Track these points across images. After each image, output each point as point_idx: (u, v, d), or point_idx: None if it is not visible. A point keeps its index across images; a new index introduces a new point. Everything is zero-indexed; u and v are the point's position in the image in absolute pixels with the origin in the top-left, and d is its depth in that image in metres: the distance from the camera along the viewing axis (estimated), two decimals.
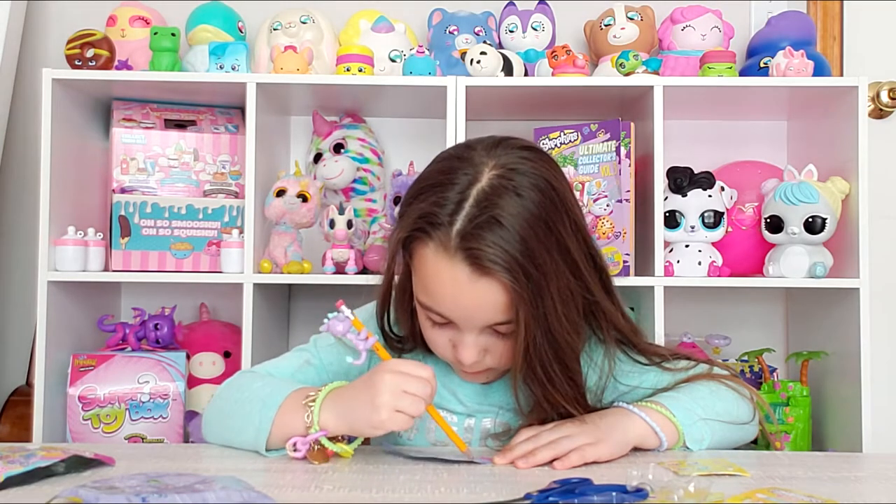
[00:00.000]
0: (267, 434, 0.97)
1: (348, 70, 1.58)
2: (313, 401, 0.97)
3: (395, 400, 0.93)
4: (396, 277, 1.09)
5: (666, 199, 1.57)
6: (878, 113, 1.94)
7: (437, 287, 0.99)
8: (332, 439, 0.97)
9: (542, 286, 0.96)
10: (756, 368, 1.72)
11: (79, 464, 0.90)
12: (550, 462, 0.94)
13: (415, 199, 1.02)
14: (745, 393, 1.09)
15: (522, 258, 0.95)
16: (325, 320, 1.01)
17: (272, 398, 0.99)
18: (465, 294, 0.97)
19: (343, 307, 1.01)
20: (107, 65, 1.57)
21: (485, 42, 1.75)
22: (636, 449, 1.01)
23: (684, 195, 1.57)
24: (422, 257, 1.00)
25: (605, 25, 1.76)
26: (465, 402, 1.11)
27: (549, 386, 1.01)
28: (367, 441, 1.02)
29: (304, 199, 1.54)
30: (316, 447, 0.96)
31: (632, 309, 1.69)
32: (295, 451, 0.95)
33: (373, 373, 0.96)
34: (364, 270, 1.59)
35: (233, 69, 1.58)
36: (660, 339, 1.51)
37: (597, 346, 1.08)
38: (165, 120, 1.70)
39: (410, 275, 1.04)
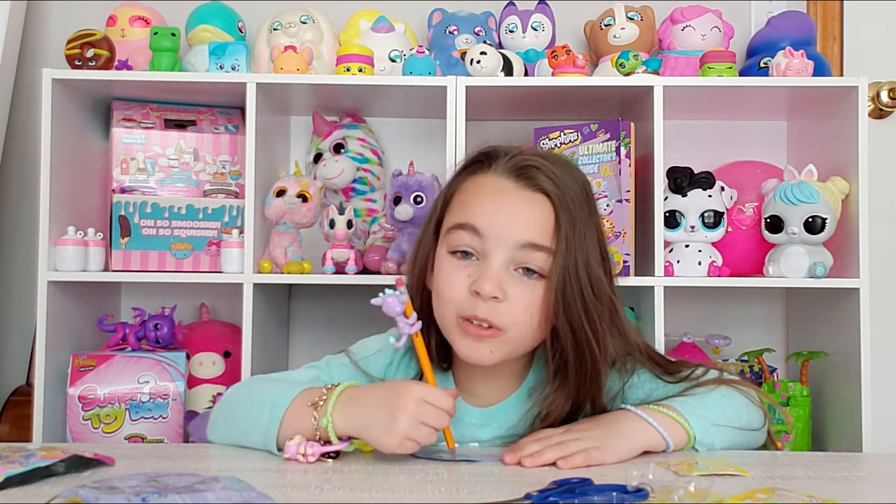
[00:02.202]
0: (276, 434, 0.97)
1: (348, 70, 1.57)
2: (324, 400, 0.96)
3: (410, 429, 0.92)
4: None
5: (666, 199, 1.57)
6: (878, 113, 1.94)
7: (478, 200, 1.02)
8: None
9: (580, 234, 0.99)
10: (756, 368, 1.72)
11: (79, 464, 0.90)
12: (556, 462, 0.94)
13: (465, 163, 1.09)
14: (757, 399, 1.08)
15: (568, 197, 1.00)
16: (381, 294, 0.97)
17: (280, 399, 0.99)
18: (507, 203, 1.00)
19: (403, 287, 0.98)
20: (107, 65, 1.57)
21: (485, 42, 1.75)
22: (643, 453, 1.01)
23: (684, 195, 1.57)
24: (467, 185, 1.05)
25: (605, 25, 1.76)
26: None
27: (572, 344, 1.00)
28: None
29: (304, 199, 1.53)
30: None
31: (631, 309, 1.69)
32: (303, 456, 0.95)
33: (397, 393, 0.94)
34: (364, 270, 1.59)
35: (233, 69, 1.58)
36: (660, 339, 1.51)
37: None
38: (165, 120, 1.70)
39: (430, 249, 1.07)
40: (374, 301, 0.98)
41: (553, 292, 0.98)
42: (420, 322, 0.99)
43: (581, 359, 1.01)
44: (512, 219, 1.00)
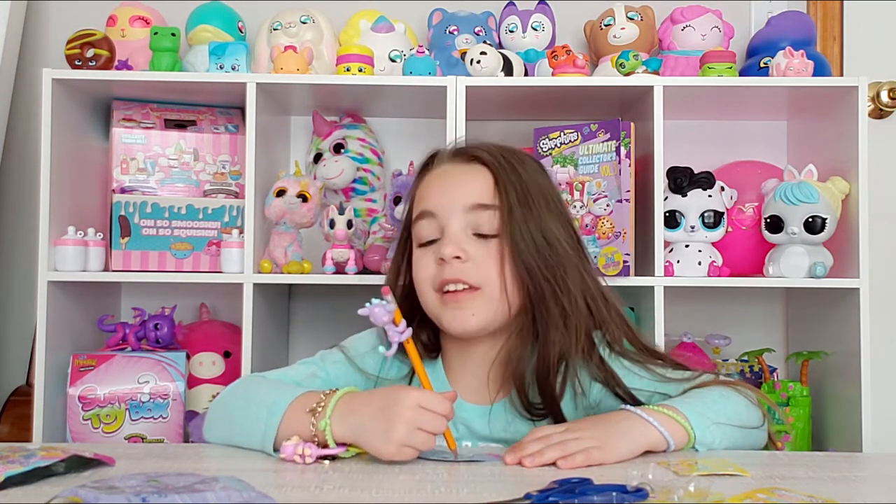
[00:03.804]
0: (273, 439, 0.97)
1: (348, 70, 1.57)
2: (322, 406, 0.96)
3: (407, 436, 0.92)
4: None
5: (666, 199, 1.57)
6: (878, 113, 1.94)
7: (428, 189, 1.13)
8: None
9: (525, 195, 1.08)
10: (756, 368, 1.72)
11: (79, 464, 0.90)
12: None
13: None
14: (755, 398, 1.09)
15: (505, 162, 1.10)
16: (367, 304, 0.98)
17: (277, 405, 0.99)
18: (450, 178, 1.12)
19: (389, 296, 0.99)
20: (107, 65, 1.57)
21: (485, 42, 1.75)
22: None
23: (684, 195, 1.57)
24: (419, 185, 1.15)
25: (605, 25, 1.76)
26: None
27: (539, 299, 1.06)
28: None
29: (304, 199, 1.53)
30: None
31: (631, 309, 1.69)
32: (300, 457, 0.95)
33: (394, 401, 0.94)
34: (364, 270, 1.59)
35: (233, 69, 1.58)
36: (660, 339, 1.51)
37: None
38: (165, 120, 1.70)
39: (406, 252, 1.15)
40: (360, 311, 0.99)
41: (509, 246, 1.06)
42: (410, 329, 1.00)
43: (547, 308, 1.06)
44: (455, 188, 1.10)
